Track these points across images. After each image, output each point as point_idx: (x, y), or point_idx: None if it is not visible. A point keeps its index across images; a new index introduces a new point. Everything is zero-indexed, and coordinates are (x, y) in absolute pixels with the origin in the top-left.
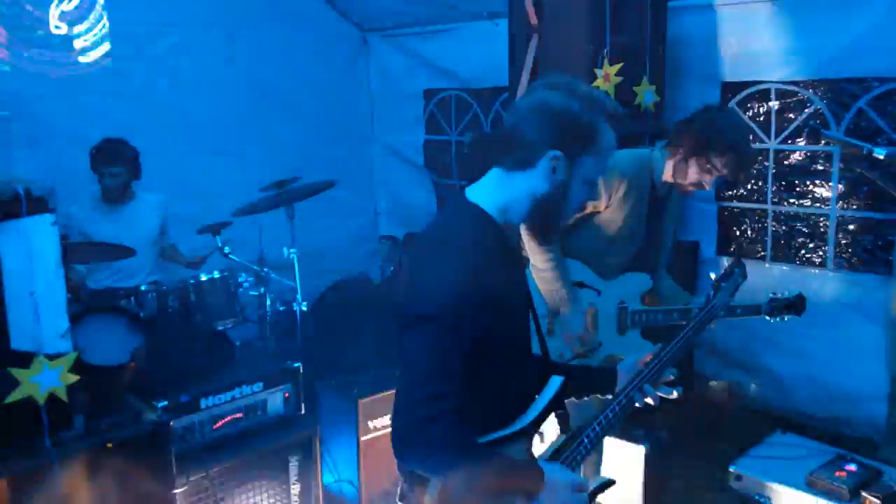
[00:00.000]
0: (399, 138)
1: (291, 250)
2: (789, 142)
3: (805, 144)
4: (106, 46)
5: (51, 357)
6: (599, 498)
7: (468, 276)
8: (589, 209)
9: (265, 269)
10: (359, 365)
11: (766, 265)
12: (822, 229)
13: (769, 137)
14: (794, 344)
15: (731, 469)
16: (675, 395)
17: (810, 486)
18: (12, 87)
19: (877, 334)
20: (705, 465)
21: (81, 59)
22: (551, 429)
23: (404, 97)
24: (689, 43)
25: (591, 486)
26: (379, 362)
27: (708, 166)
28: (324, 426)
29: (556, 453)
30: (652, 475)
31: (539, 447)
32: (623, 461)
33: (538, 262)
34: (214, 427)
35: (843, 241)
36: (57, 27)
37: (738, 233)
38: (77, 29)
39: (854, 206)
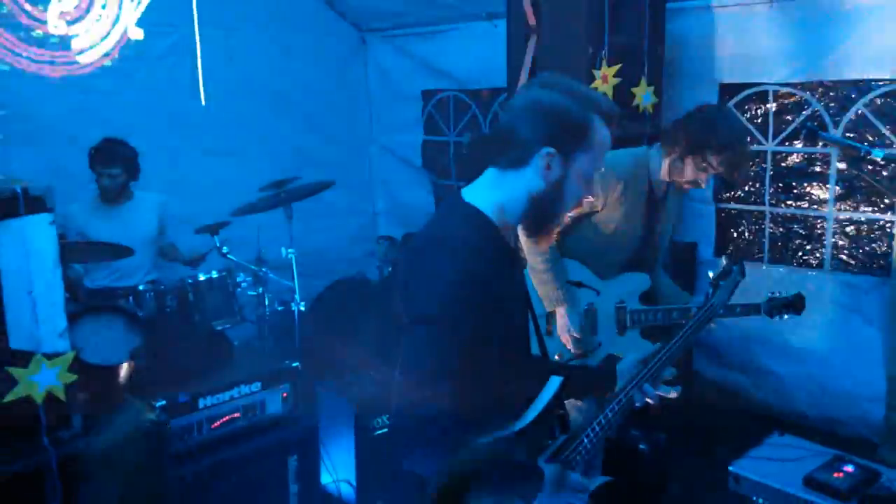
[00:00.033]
0: (397, 139)
1: (290, 250)
2: (787, 143)
3: (803, 146)
4: (105, 46)
5: (49, 356)
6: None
7: (465, 276)
8: (586, 209)
9: (263, 269)
10: (357, 365)
11: (764, 267)
12: (819, 231)
13: (767, 139)
14: (792, 345)
15: (730, 470)
16: (674, 394)
17: (808, 487)
18: (11, 86)
19: (874, 336)
20: (703, 467)
21: (80, 58)
22: (551, 429)
23: (403, 98)
24: (687, 44)
25: (591, 486)
26: (377, 362)
27: (704, 165)
28: (322, 426)
29: (555, 453)
30: (650, 476)
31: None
32: (621, 462)
33: (535, 262)
34: (212, 427)
35: (841, 243)
36: (55, 26)
37: (735, 234)
38: (75, 29)
39: (852, 208)
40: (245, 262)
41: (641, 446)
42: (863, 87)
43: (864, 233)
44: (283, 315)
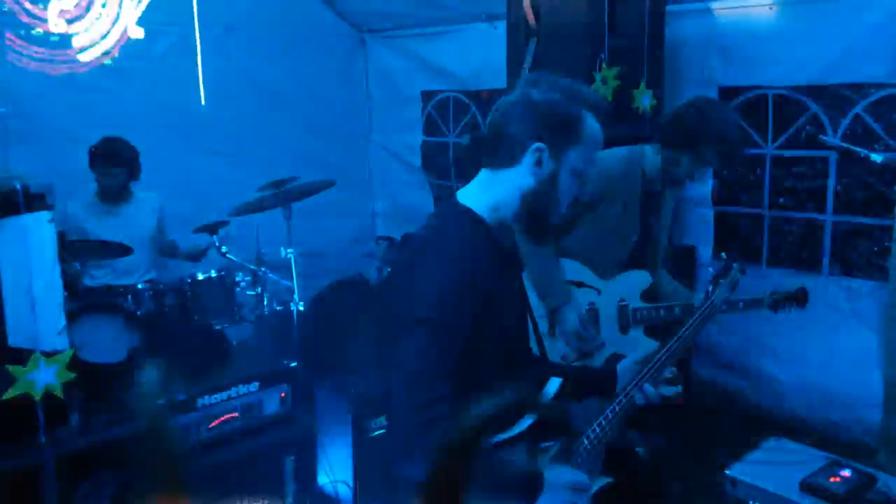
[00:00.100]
0: (397, 139)
1: (289, 250)
2: (786, 147)
3: (802, 150)
4: (105, 45)
5: (47, 354)
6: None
7: (459, 278)
8: (581, 207)
9: (262, 269)
10: (355, 365)
11: (763, 270)
12: (818, 235)
13: (766, 143)
14: (789, 349)
15: (727, 474)
16: (675, 393)
17: (805, 492)
18: (11, 84)
19: (872, 340)
20: (700, 470)
21: (80, 57)
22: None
23: (402, 98)
24: (687, 47)
25: (593, 487)
26: (375, 362)
27: (698, 158)
28: (320, 426)
29: (557, 454)
30: (647, 479)
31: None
32: (618, 465)
33: (532, 261)
34: (210, 426)
35: (839, 247)
36: (55, 24)
37: (734, 238)
38: (75, 27)
39: (850, 212)
40: (244, 261)
41: (638, 449)
42: (862, 91)
43: (863, 237)
44: (281, 315)
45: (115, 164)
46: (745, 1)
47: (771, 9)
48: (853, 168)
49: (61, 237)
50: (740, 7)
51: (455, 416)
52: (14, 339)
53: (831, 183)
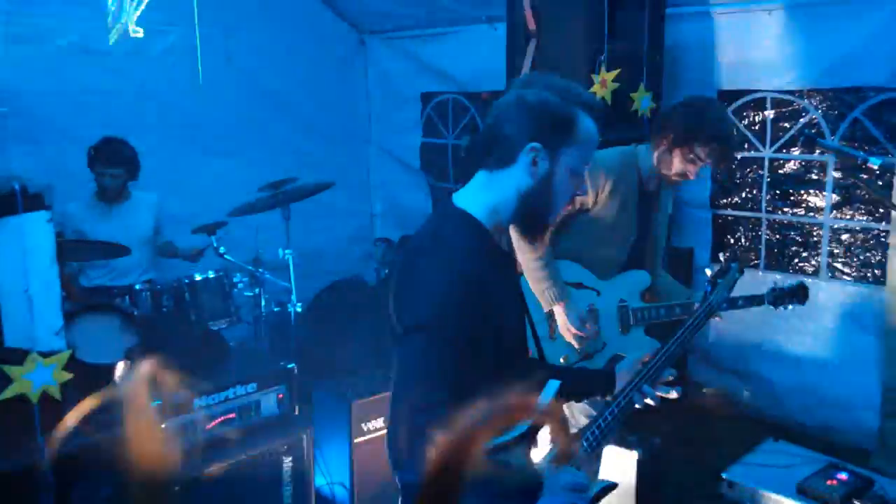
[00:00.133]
0: (396, 141)
1: (287, 251)
2: (784, 151)
3: (800, 153)
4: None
5: (44, 355)
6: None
7: (456, 282)
8: (577, 206)
9: (260, 270)
10: (353, 367)
11: (760, 273)
12: (815, 238)
13: (764, 146)
14: (786, 352)
15: (723, 476)
16: (674, 394)
17: (802, 495)
18: (9, 83)
19: (869, 343)
20: (697, 472)
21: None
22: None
23: (402, 100)
24: (686, 50)
25: (593, 489)
26: (373, 364)
27: (691, 156)
28: (317, 428)
29: (556, 456)
30: (644, 481)
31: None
32: (616, 467)
33: (529, 262)
34: (207, 427)
35: (837, 251)
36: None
37: (732, 241)
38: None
39: (848, 216)
40: (242, 262)
41: (636, 451)
42: (860, 94)
43: (860, 241)
44: (279, 316)
45: (114, 164)
46: (744, 4)
47: (770, 13)
48: (851, 172)
49: (59, 237)
50: (739, 10)
51: (454, 420)
52: (11, 340)
53: (829, 186)
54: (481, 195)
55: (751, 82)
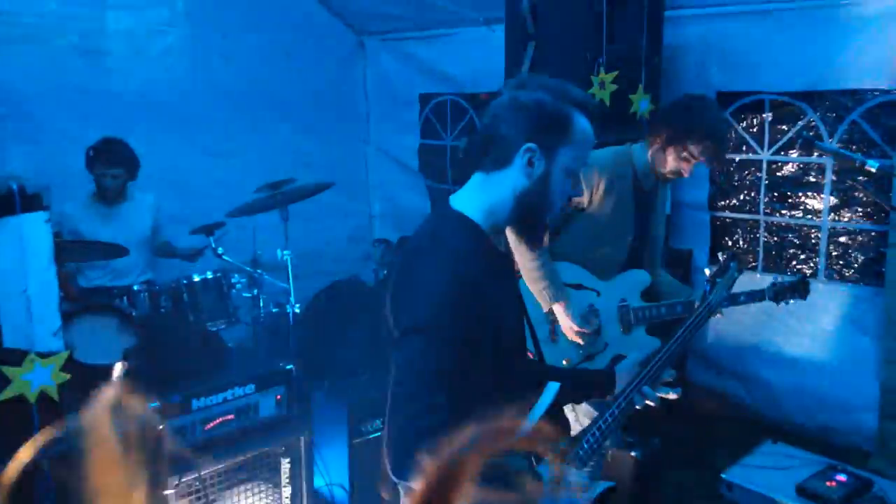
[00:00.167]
0: (394, 142)
1: (285, 252)
2: (782, 153)
3: (798, 156)
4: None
5: (43, 355)
6: None
7: (453, 284)
8: (573, 205)
9: (259, 271)
10: (351, 368)
11: (758, 275)
12: (813, 240)
13: (762, 148)
14: (785, 354)
15: (723, 478)
16: (674, 395)
17: (801, 496)
18: (8, 83)
19: (868, 345)
20: (697, 474)
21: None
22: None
23: (400, 101)
24: (684, 52)
25: (595, 490)
26: (371, 366)
27: (685, 154)
28: (316, 429)
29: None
30: (643, 483)
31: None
32: (615, 468)
33: (526, 263)
34: (206, 428)
35: (835, 253)
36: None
37: (730, 243)
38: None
39: (846, 218)
40: (240, 263)
41: (634, 452)
42: (858, 97)
43: (859, 243)
44: (277, 317)
45: (113, 164)
46: (743, 6)
47: (769, 15)
48: (849, 174)
49: (57, 238)
50: (738, 13)
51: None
52: (9, 340)
53: (827, 189)
54: (478, 197)
55: (749, 84)
